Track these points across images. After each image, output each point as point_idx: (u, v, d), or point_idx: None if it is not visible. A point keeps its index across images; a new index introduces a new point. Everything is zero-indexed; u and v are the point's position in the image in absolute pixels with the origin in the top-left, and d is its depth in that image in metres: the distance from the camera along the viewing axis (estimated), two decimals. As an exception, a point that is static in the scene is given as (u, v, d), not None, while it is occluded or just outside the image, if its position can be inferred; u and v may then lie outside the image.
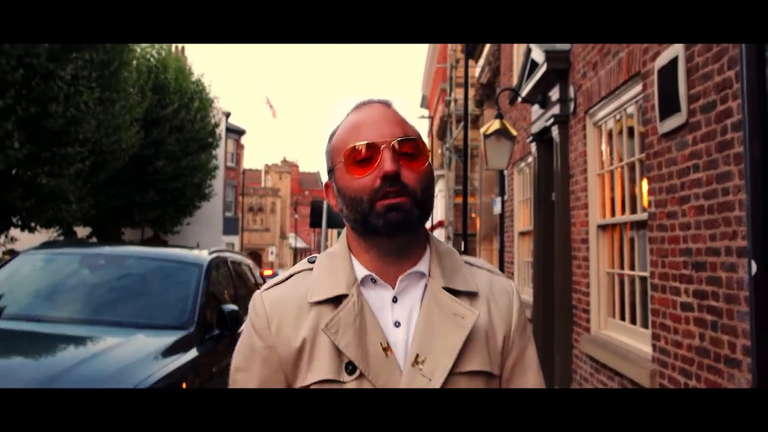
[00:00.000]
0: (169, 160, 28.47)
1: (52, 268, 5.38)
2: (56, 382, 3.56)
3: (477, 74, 17.52)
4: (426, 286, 1.40)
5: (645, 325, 5.13)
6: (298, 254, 75.24)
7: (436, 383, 1.30)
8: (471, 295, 1.41)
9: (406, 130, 1.38)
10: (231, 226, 43.62)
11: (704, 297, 3.93)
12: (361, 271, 1.40)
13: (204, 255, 5.58)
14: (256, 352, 1.40)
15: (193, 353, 4.43)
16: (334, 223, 17.95)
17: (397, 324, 1.37)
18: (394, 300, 1.39)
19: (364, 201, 1.34)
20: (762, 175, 3.08)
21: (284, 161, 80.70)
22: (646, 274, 4.97)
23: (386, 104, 1.44)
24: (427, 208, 1.38)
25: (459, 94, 21.55)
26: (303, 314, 1.38)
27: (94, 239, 28.53)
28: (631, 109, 5.50)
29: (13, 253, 24.57)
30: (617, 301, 5.96)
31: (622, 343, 5.60)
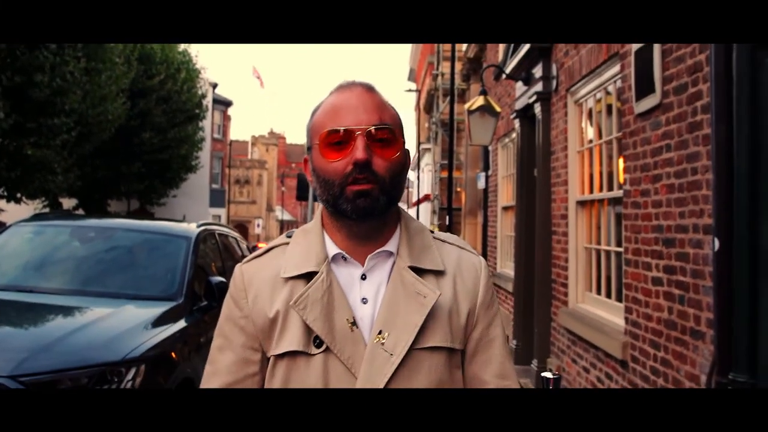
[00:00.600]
0: (156, 132, 28.33)
1: (43, 240, 5.49)
2: (49, 350, 3.70)
3: (464, 48, 17.58)
4: (393, 264, 1.46)
5: (619, 299, 5.31)
6: (284, 227, 75.29)
7: (397, 358, 1.37)
8: (437, 273, 1.47)
9: (383, 116, 1.42)
10: (218, 199, 43.58)
11: (673, 272, 4.10)
12: (333, 249, 1.46)
13: (192, 228, 5.70)
14: (234, 320, 1.48)
15: (181, 324, 4.57)
16: (321, 196, 18.13)
17: (364, 300, 1.43)
18: (363, 277, 1.45)
19: (335, 184, 1.39)
20: (726, 156, 3.23)
21: (271, 133, 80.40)
22: (621, 249, 5.15)
23: (368, 88, 1.47)
24: (395, 195, 1.43)
25: (446, 68, 21.56)
26: (278, 288, 1.45)
27: (80, 210, 28.51)
28: (610, 88, 5.63)
29: (-1, 225, 24.59)
30: (594, 275, 6.14)
31: (597, 317, 5.78)
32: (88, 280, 4.97)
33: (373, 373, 1.36)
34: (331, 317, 1.39)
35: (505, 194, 10.47)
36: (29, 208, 25.95)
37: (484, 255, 11.31)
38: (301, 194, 17.57)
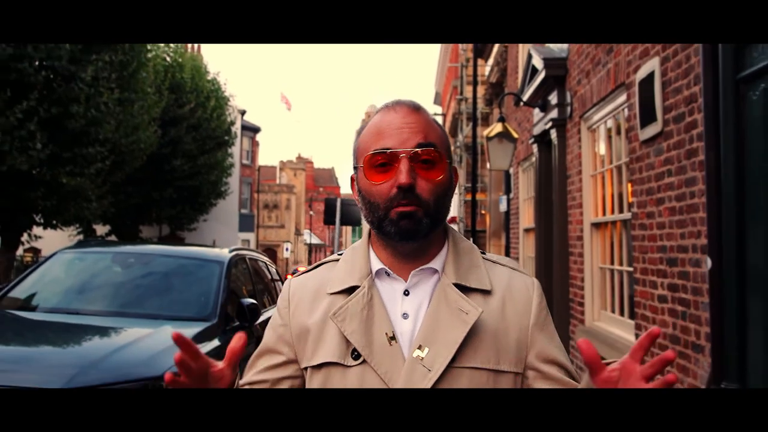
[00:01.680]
0: (186, 159, 28.94)
1: (86, 265, 5.87)
2: (97, 366, 4.03)
3: (486, 73, 17.90)
4: (438, 281, 1.46)
5: (631, 316, 5.54)
6: (312, 250, 75.79)
7: (435, 374, 1.35)
8: (484, 293, 1.45)
9: (428, 137, 1.42)
10: (247, 223, 44.13)
11: (676, 290, 4.35)
12: (377, 264, 1.48)
13: (225, 253, 6.06)
14: (274, 328, 1.55)
15: (215, 342, 4.89)
16: (348, 220, 18.45)
17: (405, 315, 1.43)
18: (406, 293, 1.45)
19: (380, 207, 1.40)
20: (715, 181, 3.50)
21: (299, 158, 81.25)
22: (631, 269, 5.39)
23: (414, 108, 1.46)
24: (439, 217, 1.43)
25: (470, 92, 21.91)
26: (318, 301, 1.49)
27: (113, 237, 29.15)
28: (618, 115, 5.91)
29: (34, 251, 25.23)
30: (609, 294, 6.38)
31: (612, 334, 6.01)
32: (129, 302, 5.32)
33: (409, 387, 1.35)
34: (370, 330, 1.40)
35: (527, 216, 10.72)
36: (64, 234, 26.67)
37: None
38: (329, 219, 17.94)
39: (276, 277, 7.80)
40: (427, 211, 1.39)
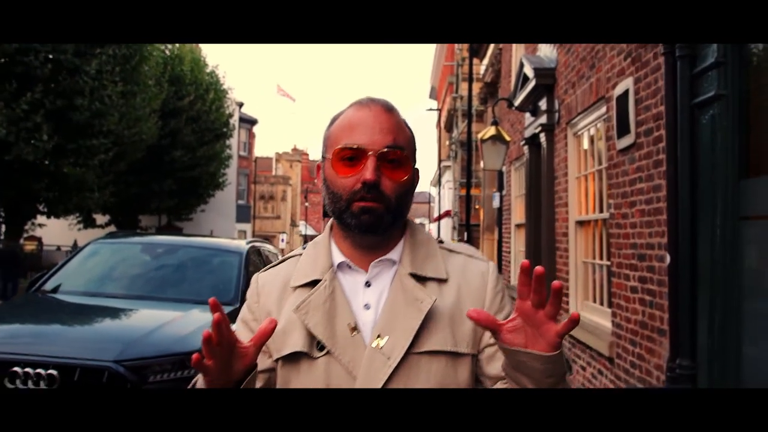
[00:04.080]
0: (186, 150, 29.38)
1: (118, 255, 6.50)
2: (140, 343, 4.65)
3: (481, 72, 18.51)
4: (396, 271, 1.51)
5: (609, 305, 6.18)
6: (307, 241, 76.00)
7: (393, 361, 1.40)
8: (440, 281, 1.51)
9: (397, 138, 1.46)
10: (243, 214, 44.63)
11: (645, 281, 4.98)
12: (338, 258, 1.53)
13: (243, 244, 6.70)
14: (245, 322, 1.59)
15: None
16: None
17: (367, 306, 1.48)
18: (367, 284, 1.51)
19: (343, 199, 1.45)
20: (674, 189, 4.14)
21: (294, 149, 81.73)
22: (609, 263, 6.03)
23: (386, 108, 1.50)
24: (400, 214, 1.49)
25: (465, 90, 22.51)
26: (285, 295, 1.53)
27: (112, 226, 29.64)
28: (599, 125, 6.53)
29: (32, 239, 25.68)
30: (590, 286, 7.02)
31: (593, 322, 6.65)
32: (159, 288, 5.93)
33: (371, 375, 1.40)
34: (333, 322, 1.45)
35: (518, 213, 11.35)
36: (64, 223, 27.19)
37: (499, 269, 12.16)
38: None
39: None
40: (388, 208, 1.44)
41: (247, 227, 45.10)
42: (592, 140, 6.90)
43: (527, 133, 9.37)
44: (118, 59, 21.46)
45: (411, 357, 1.42)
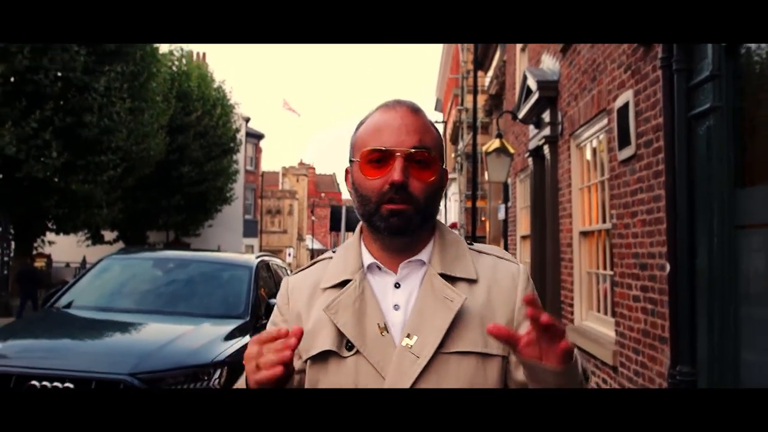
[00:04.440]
0: (193, 165, 29.52)
1: (131, 270, 6.63)
2: (154, 356, 4.76)
3: (486, 84, 18.66)
4: (426, 272, 1.51)
5: (613, 315, 6.27)
6: (314, 255, 76.22)
7: (423, 360, 1.40)
8: (470, 281, 1.50)
9: (424, 139, 1.46)
10: (250, 229, 44.74)
11: (647, 290, 5.07)
12: (368, 259, 1.54)
13: (252, 258, 6.82)
14: (275, 324, 1.59)
15: (248, 337, 5.62)
16: (352, 226, 19.15)
17: (396, 307, 1.48)
18: (397, 285, 1.51)
19: (372, 201, 1.45)
20: (672, 199, 4.24)
21: (301, 164, 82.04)
22: (611, 272, 6.12)
23: (413, 109, 1.50)
24: (428, 215, 1.49)
25: (470, 102, 22.64)
26: (315, 296, 1.54)
27: (120, 242, 29.81)
28: (601, 137, 6.64)
29: (41, 256, 25.87)
30: (594, 296, 7.11)
31: (597, 331, 6.74)
32: (171, 302, 6.05)
33: (400, 374, 1.39)
34: (363, 322, 1.45)
35: (523, 224, 11.45)
36: (72, 240, 27.35)
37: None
38: (335, 225, 18.63)
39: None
40: (417, 209, 1.44)
41: (254, 242, 45.22)
42: (594, 152, 7.00)
43: (531, 145, 9.49)
44: (127, 76, 21.68)
45: (440, 356, 1.41)
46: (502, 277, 1.53)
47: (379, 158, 1.44)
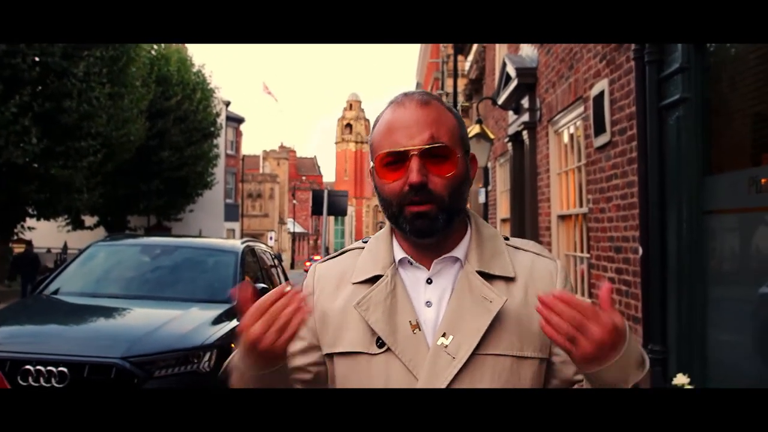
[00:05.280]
0: (174, 150, 29.40)
1: (119, 256, 6.75)
2: (145, 340, 4.90)
3: (466, 69, 18.79)
4: (460, 268, 1.46)
5: (590, 296, 6.47)
6: (296, 239, 76.62)
7: (459, 362, 1.35)
8: (507, 280, 1.45)
9: (438, 132, 1.40)
10: (231, 213, 44.70)
11: (621, 272, 5.27)
12: (400, 254, 1.48)
13: (238, 244, 6.96)
14: None
15: (236, 321, 5.76)
16: (334, 210, 19.30)
17: (428, 304, 1.43)
18: (429, 281, 1.46)
19: (394, 204, 1.41)
20: (644, 186, 4.43)
21: (282, 147, 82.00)
22: (588, 255, 6.33)
23: (422, 102, 1.44)
24: (455, 210, 1.42)
25: (451, 86, 22.76)
26: (341, 288, 1.50)
27: (101, 227, 29.72)
28: (578, 123, 6.82)
29: (21, 242, 25.81)
30: (572, 277, 7.31)
31: (574, 312, 6.94)
32: (159, 287, 6.18)
33: (434, 375, 1.36)
34: (394, 319, 1.41)
35: (503, 208, 11.65)
36: (53, 225, 27.24)
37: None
38: (316, 209, 18.77)
39: (273, 263, 8.53)
40: (441, 207, 1.38)
41: (235, 226, 45.21)
42: (572, 138, 7.19)
43: (511, 131, 9.67)
44: (106, 61, 21.53)
45: (476, 357, 1.37)
46: (540, 276, 1.48)
47: (394, 161, 1.39)
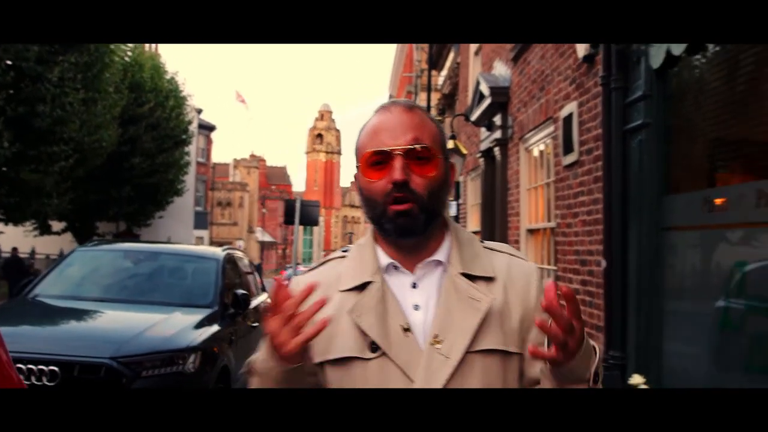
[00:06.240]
0: (145, 157, 29.23)
1: (103, 261, 6.93)
2: (132, 342, 5.10)
3: (440, 84, 19.17)
4: (443, 272, 1.51)
5: (556, 307, 6.79)
6: (264, 248, 76.50)
7: (453, 361, 1.40)
8: (488, 280, 1.50)
9: (421, 135, 1.46)
10: (201, 221, 44.55)
11: (586, 284, 5.59)
12: (384, 259, 1.53)
13: (219, 251, 7.19)
14: None
15: (217, 326, 5.98)
16: (306, 220, 19.46)
17: (416, 307, 1.48)
18: (414, 285, 1.51)
19: (378, 203, 1.46)
20: (608, 203, 4.76)
21: (252, 156, 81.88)
22: (555, 267, 6.65)
23: (407, 107, 1.52)
24: (434, 211, 1.48)
25: (424, 100, 23.13)
26: (327, 297, 1.44)
27: (69, 233, 29.51)
28: (548, 141, 7.16)
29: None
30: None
31: (541, 322, 7.25)
32: (143, 291, 6.38)
33: (430, 375, 1.40)
34: (386, 323, 1.45)
35: (474, 221, 11.98)
36: (19, 230, 27.02)
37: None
38: (288, 219, 18.92)
39: (249, 269, 8.69)
40: (422, 206, 1.44)
41: (204, 234, 45.12)
42: (541, 155, 7.52)
43: (483, 146, 10.01)
44: (80, 67, 21.46)
45: (467, 356, 1.42)
46: (517, 276, 1.54)
47: (379, 160, 1.45)
